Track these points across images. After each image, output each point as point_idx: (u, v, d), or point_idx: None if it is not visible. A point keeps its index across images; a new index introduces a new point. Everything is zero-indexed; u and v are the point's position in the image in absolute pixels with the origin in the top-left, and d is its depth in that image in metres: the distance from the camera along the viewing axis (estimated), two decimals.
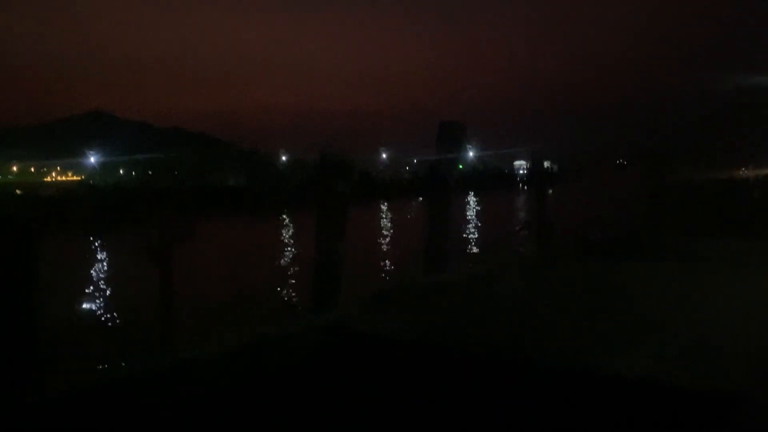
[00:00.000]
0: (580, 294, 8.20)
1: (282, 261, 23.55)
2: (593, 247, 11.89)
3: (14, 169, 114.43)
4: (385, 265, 22.15)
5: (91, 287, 18.89)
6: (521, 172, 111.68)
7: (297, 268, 19.75)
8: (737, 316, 6.90)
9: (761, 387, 4.73)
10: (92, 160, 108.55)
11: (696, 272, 9.30)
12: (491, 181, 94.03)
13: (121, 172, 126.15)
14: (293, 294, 15.53)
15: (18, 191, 72.42)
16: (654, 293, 8.09)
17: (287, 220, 42.16)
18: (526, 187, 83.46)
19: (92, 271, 22.69)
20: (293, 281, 17.76)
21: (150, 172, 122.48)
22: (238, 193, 64.26)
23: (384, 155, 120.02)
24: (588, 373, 5.10)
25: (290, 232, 35.93)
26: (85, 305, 16.00)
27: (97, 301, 16.83)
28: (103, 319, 14.53)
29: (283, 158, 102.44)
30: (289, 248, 28.12)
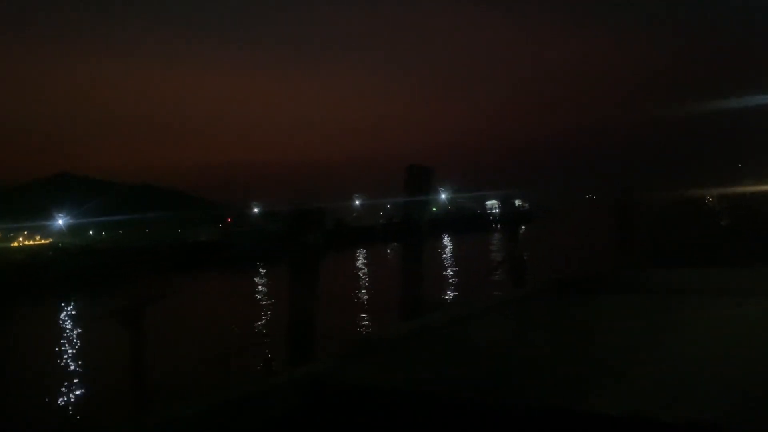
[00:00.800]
0: (556, 332, 8.20)
1: (257, 317, 23.21)
2: (568, 283, 11.96)
3: None
4: (362, 313, 21.98)
5: (62, 356, 18.33)
6: (494, 211, 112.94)
7: (272, 323, 19.46)
8: (715, 346, 6.96)
9: (739, 417, 4.75)
10: (60, 222, 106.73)
11: (672, 305, 9.39)
12: (465, 222, 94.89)
13: (90, 233, 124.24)
14: (269, 351, 15.27)
15: None
16: (630, 328, 8.13)
17: (262, 274, 41.75)
18: (498, 226, 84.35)
19: (63, 338, 22.07)
20: (269, 337, 17.48)
21: (120, 232, 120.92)
22: (211, 248, 63.57)
23: (358, 202, 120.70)
24: (571, 412, 5.07)
25: (265, 286, 35.54)
26: (52, 368, 15.49)
27: (67, 369, 16.31)
28: (71, 388, 14.05)
29: (256, 210, 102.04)
30: (264, 303, 27.76)
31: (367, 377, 6.65)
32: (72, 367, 16.39)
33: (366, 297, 27.25)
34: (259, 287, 35.29)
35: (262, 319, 22.20)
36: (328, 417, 5.62)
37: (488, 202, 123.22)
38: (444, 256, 49.39)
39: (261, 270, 42.92)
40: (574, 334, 7.99)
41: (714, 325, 8.05)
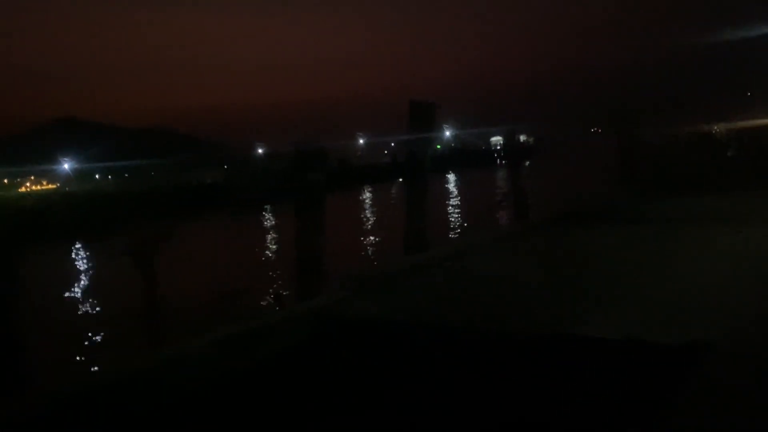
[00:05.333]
0: (555, 263, 8.34)
1: (265, 255, 23.54)
2: (569, 216, 12.05)
3: None
4: (367, 249, 22.25)
5: (77, 292, 18.80)
6: (498, 147, 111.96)
7: (281, 261, 19.76)
8: (712, 271, 7.09)
9: (733, 336, 4.91)
10: (66, 167, 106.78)
11: (671, 233, 9.49)
12: (469, 158, 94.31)
13: (97, 177, 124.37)
14: (278, 287, 15.56)
15: None
16: (629, 257, 8.26)
17: (268, 215, 42.03)
18: (504, 162, 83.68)
19: (78, 277, 22.57)
20: (278, 274, 17.78)
21: (126, 175, 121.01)
22: (216, 190, 63.72)
23: (362, 140, 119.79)
24: (567, 336, 5.25)
25: (271, 226, 35.84)
26: (70, 309, 15.93)
27: (82, 305, 16.77)
28: (87, 322, 14.48)
29: (260, 151, 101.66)
30: (271, 242, 28.08)
31: (370, 311, 6.83)
32: (87, 306, 16.84)
33: (371, 234, 27.52)
34: (265, 227, 35.61)
35: (269, 257, 22.53)
36: (332, 350, 5.80)
37: (493, 138, 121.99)
38: (448, 192, 49.45)
39: (266, 210, 43.19)
40: (572, 264, 8.14)
41: (712, 251, 8.17)
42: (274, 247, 25.68)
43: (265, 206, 44.20)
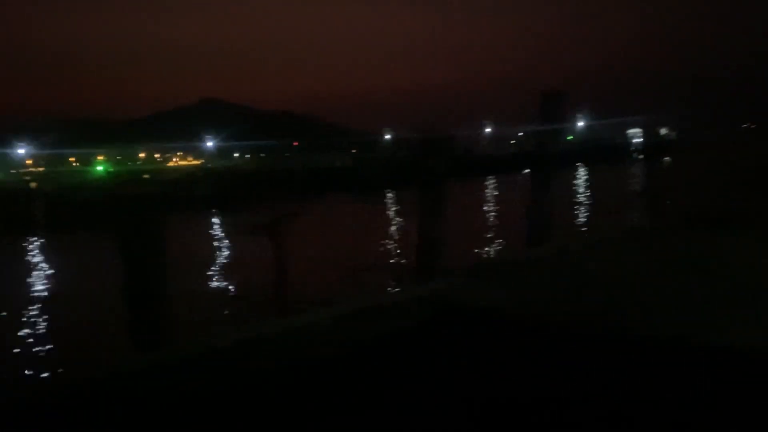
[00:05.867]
0: (682, 266, 7.92)
1: (387, 238, 24.12)
2: (705, 216, 11.29)
3: (141, 155, 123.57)
4: (487, 238, 22.11)
5: (211, 259, 20.35)
6: (635, 141, 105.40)
7: (401, 245, 20.21)
8: None
9: None
10: (210, 144, 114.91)
11: None
12: (602, 152, 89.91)
13: (235, 155, 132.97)
14: (397, 269, 15.97)
15: (145, 176, 78.62)
16: (756, 264, 7.67)
17: (391, 199, 42.87)
18: (640, 157, 78.94)
19: (213, 244, 24.48)
20: (397, 257, 18.22)
21: (262, 155, 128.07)
22: (345, 173, 65.84)
23: (488, 129, 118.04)
24: (683, 343, 5.04)
25: (394, 211, 36.55)
26: (207, 275, 17.30)
27: (218, 272, 18.17)
28: (222, 288, 15.70)
29: (387, 137, 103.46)
30: (393, 226, 28.68)
31: (484, 299, 6.90)
32: (221, 272, 18.25)
33: (492, 224, 27.28)
34: (389, 211, 36.39)
35: (391, 241, 23.06)
36: (447, 333, 5.94)
37: (630, 131, 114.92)
38: (577, 186, 47.65)
39: (390, 195, 44.06)
40: (696, 268, 7.68)
41: None
42: (397, 230, 26.23)
43: (390, 190, 45.13)
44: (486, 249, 19.78)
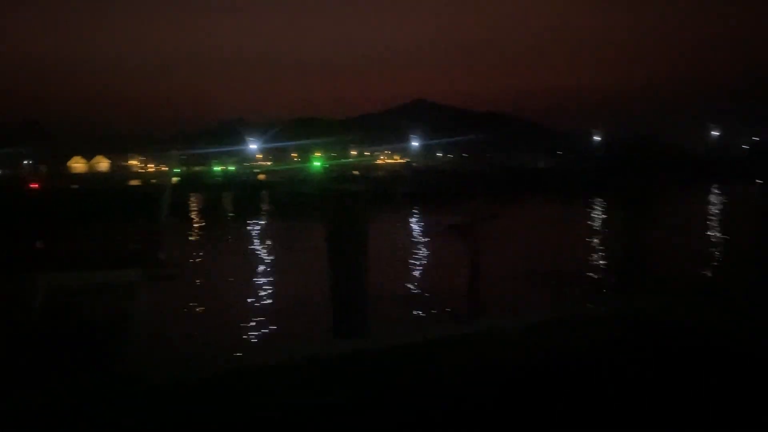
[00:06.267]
0: None
1: (586, 246, 22.89)
2: None
3: (353, 153, 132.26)
4: (704, 253, 19.82)
5: (407, 256, 21.05)
6: None
7: (601, 254, 19.02)
8: None
9: None
10: (414, 144, 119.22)
11: None
12: None
13: (438, 155, 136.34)
14: (593, 279, 15.06)
15: (355, 172, 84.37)
16: None
17: (597, 203, 40.58)
18: None
19: (411, 241, 25.36)
20: (595, 267, 17.17)
21: (464, 155, 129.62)
22: (548, 176, 63.97)
23: (714, 132, 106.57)
24: None
25: (597, 217, 34.53)
26: (401, 271, 17.90)
27: (411, 270, 18.73)
28: (414, 286, 16.10)
29: (596, 139, 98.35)
30: (593, 232, 27.12)
31: (697, 320, 6.24)
32: (415, 270, 18.81)
33: (709, 236, 24.41)
34: (592, 217, 34.48)
35: (590, 248, 21.84)
36: (647, 350, 5.50)
37: None
38: None
39: (595, 200, 41.77)
40: None
41: None
42: (598, 239, 24.77)
43: (595, 195, 42.78)
44: (700, 264, 17.77)
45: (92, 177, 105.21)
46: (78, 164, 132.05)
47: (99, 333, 7.23)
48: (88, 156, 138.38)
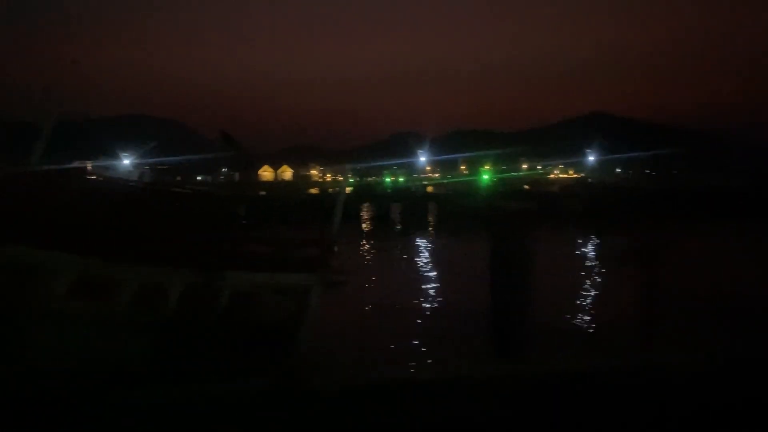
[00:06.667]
0: None
1: None
2: None
3: (523, 166, 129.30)
4: None
5: (575, 280, 19.91)
6: None
7: None
8: None
9: None
10: (591, 158, 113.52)
11: None
12: None
13: (617, 170, 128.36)
14: None
15: (525, 186, 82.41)
16: None
17: None
18: None
19: (580, 264, 24.04)
20: None
21: (647, 172, 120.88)
22: (743, 196, 57.35)
23: None
24: None
25: None
26: (568, 295, 16.96)
27: (579, 294, 17.66)
28: (581, 311, 15.09)
29: None
30: None
31: None
32: (585, 295, 17.70)
33: None
34: None
35: None
36: None
37: None
38: None
39: None
40: None
41: None
42: None
43: None
44: None
45: (277, 185, 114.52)
46: (266, 173, 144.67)
47: (274, 333, 7.83)
48: (275, 165, 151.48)
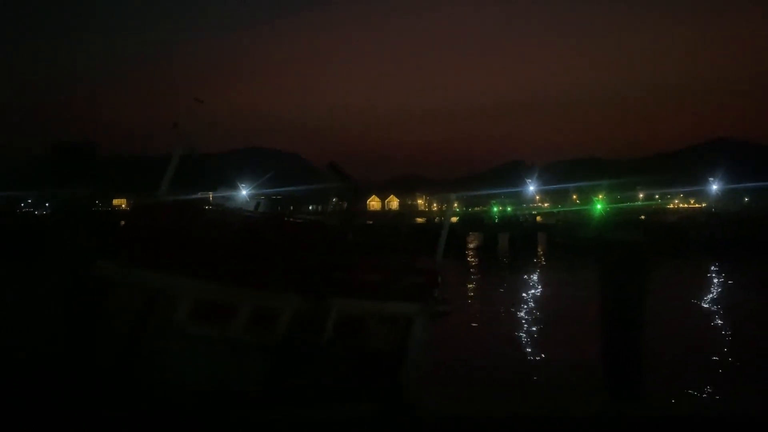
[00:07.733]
0: None
1: None
2: None
3: (640, 195, 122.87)
4: None
5: (697, 318, 18.61)
6: None
7: None
8: None
9: None
10: (714, 187, 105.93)
11: None
12: None
13: (746, 199, 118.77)
14: None
15: (642, 216, 78.07)
16: None
17: None
18: None
19: (704, 301, 22.35)
20: None
21: None
22: None
23: None
24: None
25: None
26: (689, 332, 15.84)
27: (702, 331, 16.44)
28: (703, 350, 13.94)
29: None
30: None
31: None
32: (705, 333, 16.37)
33: None
34: None
35: None
36: None
37: None
38: None
39: None
40: None
41: None
42: None
43: None
44: None
45: (384, 214, 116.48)
46: (374, 202, 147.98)
47: (381, 360, 7.91)
48: (383, 195, 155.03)
